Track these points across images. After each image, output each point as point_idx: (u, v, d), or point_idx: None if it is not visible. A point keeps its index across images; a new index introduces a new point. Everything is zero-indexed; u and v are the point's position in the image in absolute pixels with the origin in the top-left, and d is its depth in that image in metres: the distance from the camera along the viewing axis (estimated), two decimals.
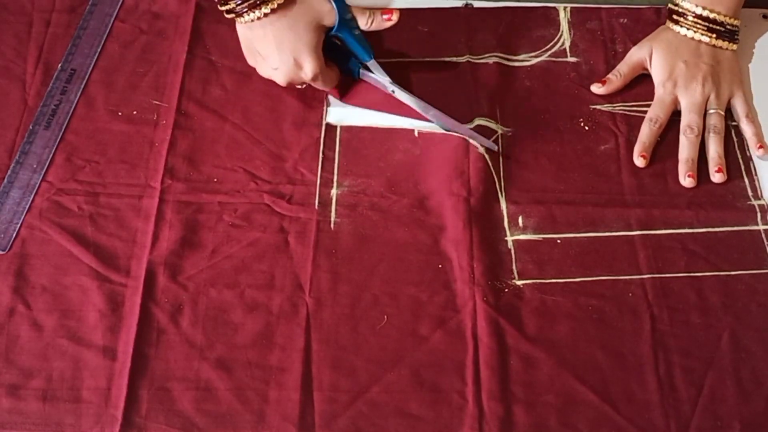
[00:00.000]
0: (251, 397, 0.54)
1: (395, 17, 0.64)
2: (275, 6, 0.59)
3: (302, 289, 0.58)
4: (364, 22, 0.64)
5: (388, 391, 0.54)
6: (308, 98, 0.68)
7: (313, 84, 0.65)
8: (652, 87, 0.69)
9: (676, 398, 0.54)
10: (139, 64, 0.70)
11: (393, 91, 0.66)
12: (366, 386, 0.54)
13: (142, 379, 0.54)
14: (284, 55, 0.61)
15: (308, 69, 0.62)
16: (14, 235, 0.60)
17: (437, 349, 0.56)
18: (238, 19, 0.61)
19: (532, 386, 0.54)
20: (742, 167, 0.66)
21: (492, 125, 0.67)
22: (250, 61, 0.65)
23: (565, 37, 0.73)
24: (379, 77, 0.66)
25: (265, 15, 0.59)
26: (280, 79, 0.63)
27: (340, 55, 0.66)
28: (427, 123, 0.66)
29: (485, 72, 0.70)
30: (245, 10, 0.59)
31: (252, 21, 0.60)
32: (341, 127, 0.67)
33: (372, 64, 0.66)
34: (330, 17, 0.62)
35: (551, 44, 0.73)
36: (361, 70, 0.66)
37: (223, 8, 0.61)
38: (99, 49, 0.70)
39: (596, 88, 0.69)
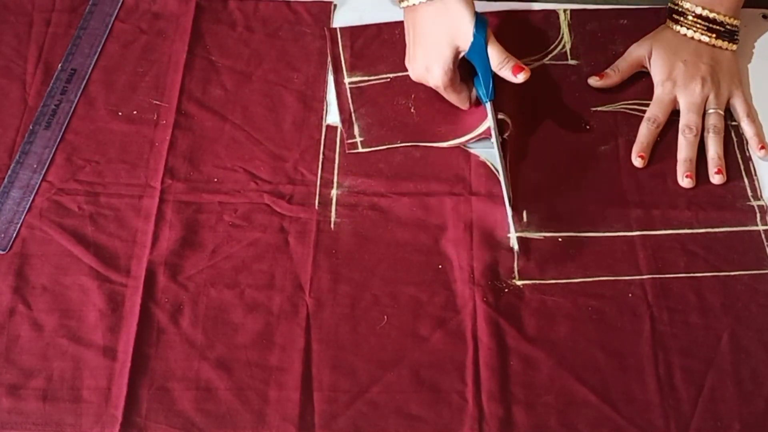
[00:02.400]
0: (251, 397, 0.54)
1: (521, 77, 0.61)
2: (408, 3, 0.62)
3: (302, 289, 0.58)
4: (495, 64, 0.62)
5: (388, 392, 0.54)
6: (308, 99, 0.68)
7: (443, 94, 0.65)
8: (652, 87, 0.69)
9: (676, 399, 0.54)
10: (139, 64, 0.70)
11: (493, 141, 0.62)
12: (366, 386, 0.54)
13: (143, 379, 0.54)
14: (418, 53, 0.63)
15: (437, 74, 0.62)
16: (14, 235, 0.60)
17: (437, 350, 0.56)
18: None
19: (532, 387, 0.54)
20: (742, 168, 0.66)
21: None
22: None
23: (566, 40, 0.73)
24: (490, 121, 0.62)
25: (414, 6, 0.62)
26: (412, 73, 0.65)
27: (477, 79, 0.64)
28: (459, 140, 0.66)
29: None
30: None
31: (402, 6, 0.63)
32: (341, 128, 0.67)
33: (488, 106, 0.63)
34: (465, 41, 0.61)
35: (552, 47, 0.73)
36: (487, 103, 0.63)
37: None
38: (99, 49, 0.70)
39: (593, 81, 0.69)
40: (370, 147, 0.66)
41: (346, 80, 0.70)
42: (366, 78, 0.70)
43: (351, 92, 0.69)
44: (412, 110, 0.68)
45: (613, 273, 0.59)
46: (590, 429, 0.53)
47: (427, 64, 0.62)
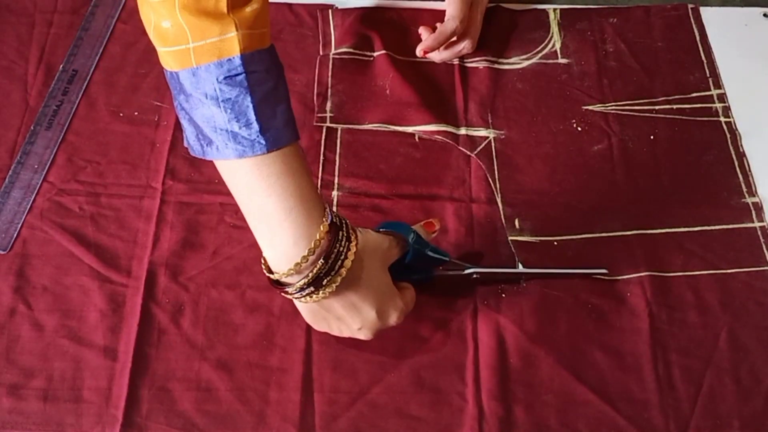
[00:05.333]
0: (252, 397, 0.54)
1: (437, 227, 0.58)
2: (340, 279, 0.47)
3: None
4: (428, 236, 0.56)
5: (388, 392, 0.54)
6: (309, 101, 0.68)
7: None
8: (645, 87, 0.70)
9: (675, 397, 0.54)
10: (140, 65, 0.70)
11: (474, 276, 0.58)
12: (366, 387, 0.55)
13: (143, 380, 0.54)
14: (365, 313, 0.50)
15: (394, 315, 0.52)
16: (15, 235, 0.60)
17: (437, 350, 0.56)
18: (300, 300, 0.49)
19: (531, 386, 0.55)
20: (736, 164, 0.66)
21: (482, 132, 0.67)
22: (319, 327, 0.53)
23: (556, 39, 0.73)
24: (463, 269, 0.58)
25: (335, 289, 0.47)
26: (367, 335, 0.52)
27: (403, 269, 0.54)
28: (426, 127, 0.67)
29: (476, 75, 0.71)
30: (309, 292, 0.47)
31: (315, 301, 0.49)
32: (342, 129, 0.67)
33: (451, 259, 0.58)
34: (394, 252, 0.53)
35: (542, 46, 0.73)
36: (435, 272, 0.58)
37: (287, 295, 0.49)
38: (101, 50, 0.70)
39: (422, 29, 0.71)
40: (338, 124, 0.66)
41: (332, 52, 0.71)
42: (350, 50, 0.71)
43: (333, 63, 0.70)
44: (387, 92, 0.69)
45: (612, 273, 0.60)
46: (590, 428, 0.53)
47: (378, 309, 0.51)
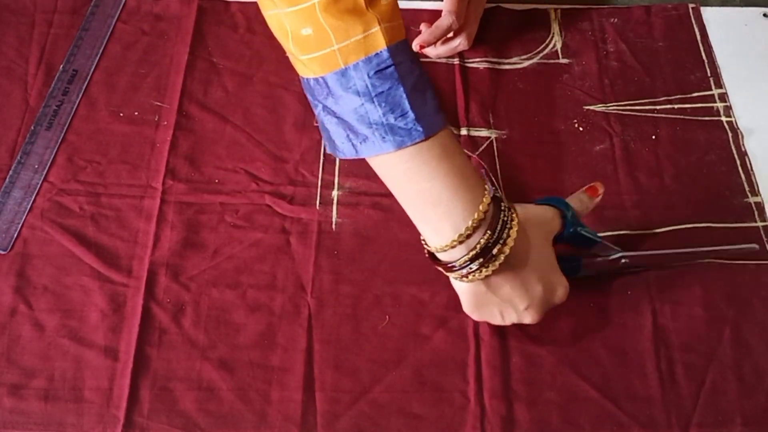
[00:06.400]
0: (253, 397, 0.54)
1: (601, 191, 0.56)
2: (508, 249, 0.47)
3: (304, 290, 0.58)
4: (585, 208, 0.56)
5: (390, 391, 0.54)
6: (308, 100, 0.68)
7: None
8: (646, 87, 0.70)
9: (678, 394, 0.54)
10: (140, 65, 0.70)
11: (623, 261, 0.56)
12: (368, 386, 0.54)
13: (144, 379, 0.54)
14: (532, 288, 0.50)
15: (560, 290, 0.51)
16: (16, 235, 0.60)
17: (439, 349, 0.56)
18: (463, 280, 0.49)
19: (533, 384, 0.55)
20: (738, 163, 0.66)
21: (484, 132, 0.67)
22: (481, 315, 0.52)
23: (557, 39, 0.74)
24: (610, 254, 0.56)
25: (501, 264, 0.47)
26: (535, 316, 0.51)
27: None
28: None
29: (477, 75, 0.71)
30: (478, 266, 0.47)
31: (481, 278, 0.48)
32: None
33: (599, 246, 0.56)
34: (556, 223, 0.53)
35: (543, 46, 0.73)
36: (583, 263, 0.56)
37: (451, 274, 0.49)
38: (101, 50, 0.70)
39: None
40: None
41: None
42: None
43: None
44: None
45: (616, 272, 0.59)
46: (592, 425, 0.53)
47: (545, 285, 0.50)
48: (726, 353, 0.56)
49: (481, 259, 0.46)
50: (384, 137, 0.43)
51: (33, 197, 0.62)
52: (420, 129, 0.43)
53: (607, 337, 0.57)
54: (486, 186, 0.47)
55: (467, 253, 0.46)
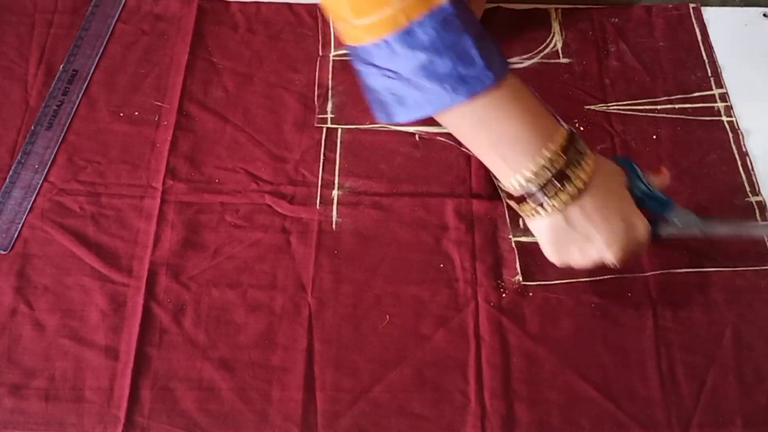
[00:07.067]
0: (254, 397, 0.54)
1: (666, 172, 0.56)
2: (584, 175, 0.46)
3: (304, 290, 0.58)
4: (660, 181, 0.54)
5: (390, 391, 0.54)
6: (309, 100, 0.68)
7: (638, 252, 0.51)
8: (647, 87, 0.70)
9: (679, 394, 0.54)
10: (140, 65, 0.70)
11: (702, 231, 0.54)
12: (368, 386, 0.55)
13: (145, 379, 0.54)
14: (614, 222, 0.48)
15: (642, 228, 0.49)
16: (16, 235, 0.60)
17: (439, 348, 0.56)
18: (540, 211, 0.48)
19: (534, 384, 0.55)
20: (739, 163, 0.66)
21: None
22: (560, 256, 0.50)
23: (557, 39, 0.73)
24: (684, 221, 0.54)
25: (579, 191, 0.46)
26: (618, 253, 0.49)
27: None
28: (426, 127, 0.66)
29: None
30: (555, 191, 0.46)
31: (559, 207, 0.47)
32: (342, 129, 0.67)
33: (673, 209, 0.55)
34: (625, 178, 0.52)
35: (543, 46, 0.73)
36: (661, 228, 0.54)
37: (529, 206, 0.48)
38: (101, 50, 0.70)
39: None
40: (339, 125, 0.66)
41: (332, 54, 0.71)
42: None
43: (333, 65, 0.70)
44: None
45: (617, 271, 0.59)
46: (592, 425, 0.53)
47: (626, 219, 0.49)
48: (727, 354, 0.56)
49: (558, 185, 0.46)
50: (456, 88, 0.43)
51: (33, 197, 0.62)
52: (490, 74, 0.43)
53: (608, 337, 0.57)
54: (559, 120, 0.48)
55: (546, 178, 0.46)
